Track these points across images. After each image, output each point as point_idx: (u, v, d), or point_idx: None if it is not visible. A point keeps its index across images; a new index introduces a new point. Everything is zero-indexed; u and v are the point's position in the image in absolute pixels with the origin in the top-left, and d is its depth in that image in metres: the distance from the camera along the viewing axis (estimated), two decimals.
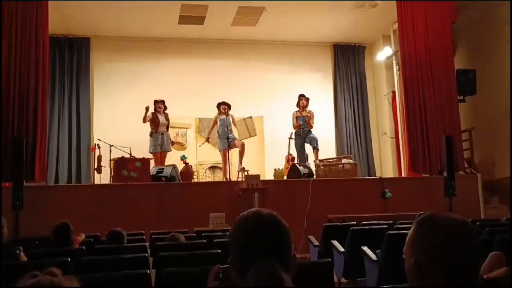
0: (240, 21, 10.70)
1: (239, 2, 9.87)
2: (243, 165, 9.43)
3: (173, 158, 9.59)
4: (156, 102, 9.52)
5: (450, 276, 1.26)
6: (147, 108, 9.22)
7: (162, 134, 9.42)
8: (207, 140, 10.13)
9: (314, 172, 8.88)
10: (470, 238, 1.30)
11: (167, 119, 9.58)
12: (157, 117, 9.40)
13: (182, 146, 10.12)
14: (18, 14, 8.07)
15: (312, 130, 9.72)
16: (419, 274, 1.28)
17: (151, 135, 9.40)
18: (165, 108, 9.59)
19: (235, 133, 9.71)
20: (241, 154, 9.59)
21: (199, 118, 11.25)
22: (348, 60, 12.25)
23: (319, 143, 9.65)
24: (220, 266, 1.40)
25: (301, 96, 9.82)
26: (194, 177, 9.77)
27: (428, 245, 1.29)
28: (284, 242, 1.35)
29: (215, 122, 9.64)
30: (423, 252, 1.29)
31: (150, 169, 8.48)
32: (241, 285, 1.25)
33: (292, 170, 9.00)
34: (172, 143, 9.73)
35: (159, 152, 9.33)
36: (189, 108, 11.04)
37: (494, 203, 9.41)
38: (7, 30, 7.97)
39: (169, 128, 9.78)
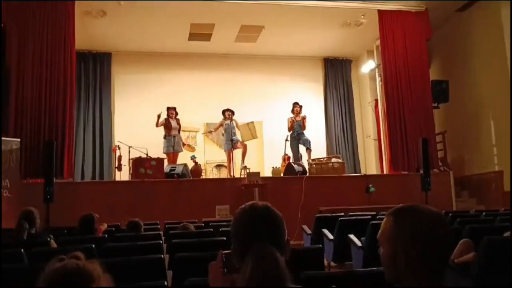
0: (242, 38, 10.70)
1: (242, 21, 9.88)
2: (245, 163, 9.43)
3: (184, 157, 9.59)
4: (168, 108, 9.53)
5: (429, 261, 1.25)
6: (158, 116, 9.25)
7: (174, 136, 9.42)
8: (210, 132, 10.15)
9: (307, 170, 8.89)
10: (446, 227, 1.30)
11: (178, 124, 9.58)
12: (169, 122, 9.40)
13: (191, 148, 10.13)
14: (49, 32, 8.09)
15: (305, 132, 9.73)
16: (405, 262, 1.25)
17: (164, 137, 9.40)
18: (177, 113, 9.59)
19: (238, 136, 9.71)
20: (244, 154, 9.60)
21: (206, 123, 11.24)
22: (336, 72, 12.25)
23: (311, 144, 9.65)
24: (223, 252, 1.40)
25: (295, 104, 9.83)
26: (203, 174, 9.76)
27: (413, 234, 1.25)
28: (277, 229, 1.35)
29: (221, 125, 9.65)
30: (408, 242, 1.25)
31: (164, 167, 8.49)
32: (242, 268, 1.25)
33: (288, 168, 9.00)
34: (183, 144, 9.73)
35: (172, 152, 9.34)
36: (198, 114, 11.02)
37: (464, 197, 9.41)
38: (39, 47, 8.00)
39: (181, 132, 9.78)
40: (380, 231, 1.35)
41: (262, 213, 1.37)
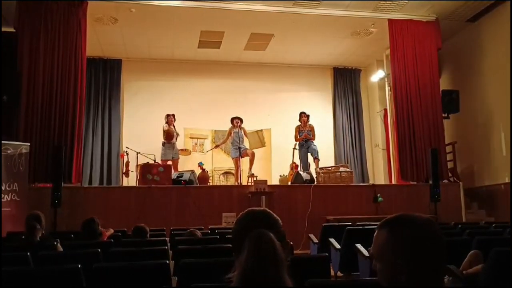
0: (251, 46, 10.74)
1: (252, 29, 9.93)
2: (253, 171, 9.43)
3: (191, 164, 9.61)
4: (168, 115, 9.55)
5: (429, 269, 1.22)
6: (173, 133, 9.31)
7: (174, 144, 9.46)
8: (216, 147, 10.26)
9: (315, 178, 8.86)
10: (440, 233, 1.27)
11: (176, 131, 9.64)
12: (172, 129, 9.45)
13: (187, 151, 10.10)
14: (61, 38, 8.18)
15: (314, 141, 9.71)
16: (408, 274, 1.21)
17: (164, 144, 9.39)
18: (174, 120, 9.67)
19: (246, 144, 9.71)
20: (251, 161, 9.60)
21: (214, 130, 11.28)
22: (345, 81, 12.24)
23: (319, 153, 9.63)
24: None
25: (302, 114, 9.83)
26: (210, 181, 9.77)
27: (412, 245, 1.22)
28: (274, 227, 1.40)
29: (230, 134, 9.64)
30: (409, 253, 1.21)
31: (171, 173, 8.51)
32: (240, 255, 1.27)
33: (296, 176, 8.98)
34: (180, 150, 9.74)
35: (172, 159, 9.32)
36: (206, 121, 11.07)
37: (474, 209, 9.31)
38: (50, 52, 8.09)
39: (189, 138, 9.81)
40: (374, 245, 1.30)
41: (259, 213, 1.47)
